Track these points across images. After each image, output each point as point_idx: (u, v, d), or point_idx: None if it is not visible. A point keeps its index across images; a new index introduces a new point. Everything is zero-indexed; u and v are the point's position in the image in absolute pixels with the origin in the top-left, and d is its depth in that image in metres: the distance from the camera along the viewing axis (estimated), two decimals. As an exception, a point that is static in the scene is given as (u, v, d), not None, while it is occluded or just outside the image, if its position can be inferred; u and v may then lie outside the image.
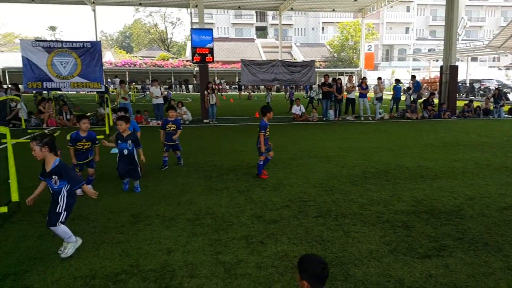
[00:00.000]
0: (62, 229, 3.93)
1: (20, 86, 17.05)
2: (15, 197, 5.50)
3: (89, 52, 15.02)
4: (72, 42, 15.09)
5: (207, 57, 16.80)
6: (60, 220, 3.90)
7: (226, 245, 4.28)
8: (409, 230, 4.63)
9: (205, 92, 16.10)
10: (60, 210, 3.91)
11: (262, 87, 39.49)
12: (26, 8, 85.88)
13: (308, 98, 21.17)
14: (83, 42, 15.28)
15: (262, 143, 6.82)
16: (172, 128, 7.78)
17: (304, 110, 16.82)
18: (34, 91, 18.54)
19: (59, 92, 18.35)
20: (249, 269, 3.75)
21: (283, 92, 37.67)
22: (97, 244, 4.35)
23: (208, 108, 16.10)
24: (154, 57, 53.82)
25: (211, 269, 3.76)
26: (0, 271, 3.71)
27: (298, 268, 2.32)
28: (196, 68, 45.73)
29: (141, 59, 51.42)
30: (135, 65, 49.06)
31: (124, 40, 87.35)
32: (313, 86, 21.63)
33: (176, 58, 56.76)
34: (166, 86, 29.83)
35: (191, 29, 17.05)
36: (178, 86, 45.19)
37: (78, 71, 14.90)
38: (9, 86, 17.51)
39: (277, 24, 51.60)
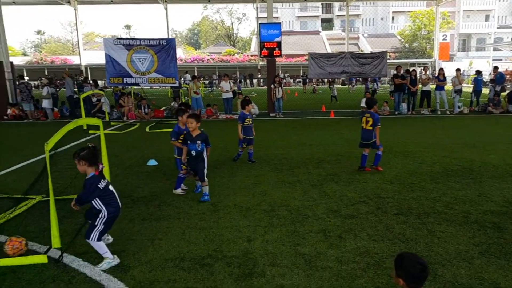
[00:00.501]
0: (97, 245, 3.72)
1: (99, 81, 18.51)
2: (107, 183, 6.01)
3: (164, 49, 15.81)
4: (149, 39, 15.97)
5: (275, 51, 16.87)
6: (94, 235, 3.67)
7: (304, 238, 4.32)
8: (501, 232, 4.32)
9: (272, 86, 16.23)
10: (97, 223, 3.70)
11: (326, 80, 38.81)
12: (104, 9, 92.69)
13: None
14: (159, 39, 16.13)
15: (378, 136, 6.81)
16: (249, 122, 7.79)
17: (374, 104, 16.20)
18: (112, 86, 19.88)
19: (136, 88, 19.54)
20: (330, 262, 3.76)
21: (347, 86, 36.63)
22: (182, 229, 4.63)
23: (274, 102, 16.21)
24: (221, 52, 55.25)
25: (291, 260, 3.82)
26: (101, 249, 4.10)
27: (395, 264, 2.28)
28: (261, 63, 46.15)
29: (208, 55, 53.09)
30: (203, 61, 50.78)
31: (192, 37, 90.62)
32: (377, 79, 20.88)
33: (241, 53, 57.72)
34: (232, 81, 30.44)
35: (260, 23, 17.21)
36: (243, 80, 45.94)
37: (155, 67, 15.77)
38: (90, 81, 19.03)
39: (344, 15, 50.24)
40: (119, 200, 3.91)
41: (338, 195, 5.74)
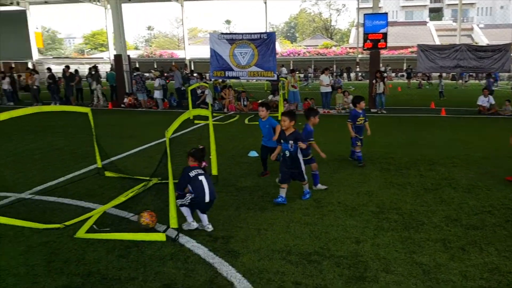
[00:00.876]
0: (182, 210, 4.36)
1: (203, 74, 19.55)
2: (214, 171, 6.28)
3: (265, 43, 16.03)
4: (251, 34, 16.34)
5: (379, 43, 16.03)
6: (178, 203, 4.34)
7: (420, 245, 3.98)
8: None
9: (373, 81, 15.46)
10: (183, 199, 4.34)
11: (433, 74, 35.78)
12: (206, 5, 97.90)
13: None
14: (260, 33, 16.40)
15: None
16: (362, 121, 7.18)
17: (493, 102, 14.41)
18: (213, 79, 20.72)
19: (233, 81, 20.08)
20: (452, 276, 3.40)
21: (455, 81, 33.22)
22: (286, 222, 4.62)
23: (375, 97, 15.43)
24: (317, 45, 54.49)
25: (407, 268, 3.55)
26: (215, 234, 4.28)
27: None
28: (360, 55, 44.37)
29: (305, 48, 52.75)
30: (299, 54, 50.61)
31: (289, 30, 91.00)
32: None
33: (339, 45, 56.22)
34: (330, 74, 29.74)
35: (365, 14, 16.46)
36: (340, 74, 44.56)
37: (255, 61, 16.09)
38: (194, 74, 20.15)
39: (456, 4, 45.69)
40: (207, 191, 4.31)
41: (457, 202, 5.20)
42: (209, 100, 15.89)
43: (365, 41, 16.33)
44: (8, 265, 3.68)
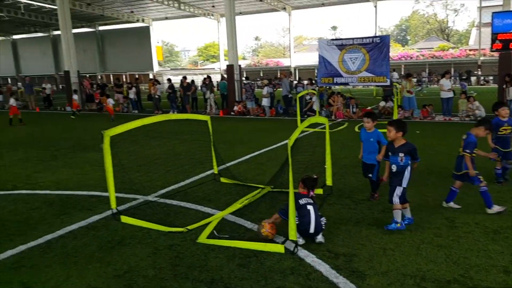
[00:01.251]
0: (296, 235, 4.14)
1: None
2: (329, 181, 6.04)
3: (377, 47, 15.23)
4: (362, 38, 15.70)
5: (511, 44, 14.05)
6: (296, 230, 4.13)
7: None
8: None
9: (503, 86, 13.55)
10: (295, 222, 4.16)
11: None
12: (311, 12, 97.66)
13: None
14: (372, 37, 15.68)
15: None
16: (507, 131, 6.09)
17: None
18: (319, 86, 20.42)
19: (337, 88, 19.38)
20: None
21: None
22: (416, 242, 4.15)
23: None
24: (432, 48, 50.28)
25: None
26: (335, 250, 4.05)
27: None
28: (482, 58, 39.77)
29: (418, 51, 49.14)
30: (411, 58, 47.33)
31: (399, 34, 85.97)
32: None
33: (457, 47, 51.10)
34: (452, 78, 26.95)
35: (493, 12, 14.64)
36: (457, 78, 40.33)
37: (366, 66, 15.38)
38: (304, 82, 20.11)
39: None
40: (313, 223, 4.18)
41: None
42: (316, 107, 15.67)
43: (493, 41, 14.50)
44: (138, 266, 3.87)
